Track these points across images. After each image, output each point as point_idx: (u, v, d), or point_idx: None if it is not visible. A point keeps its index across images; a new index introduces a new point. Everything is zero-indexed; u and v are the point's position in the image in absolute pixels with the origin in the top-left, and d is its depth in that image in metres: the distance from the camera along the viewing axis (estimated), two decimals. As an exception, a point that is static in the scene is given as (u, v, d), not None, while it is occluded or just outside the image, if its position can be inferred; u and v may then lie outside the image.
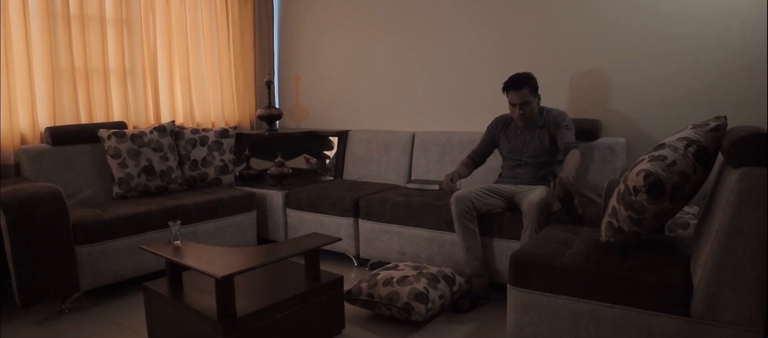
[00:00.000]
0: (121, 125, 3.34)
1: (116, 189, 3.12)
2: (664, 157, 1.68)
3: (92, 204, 3.00)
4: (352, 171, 3.90)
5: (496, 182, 2.91)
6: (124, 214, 2.79)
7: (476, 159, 2.96)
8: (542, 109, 2.80)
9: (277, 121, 4.09)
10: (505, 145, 2.90)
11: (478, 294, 2.60)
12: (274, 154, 3.79)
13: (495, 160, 3.03)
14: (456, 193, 2.68)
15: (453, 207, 2.64)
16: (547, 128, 2.75)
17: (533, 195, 2.52)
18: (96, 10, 3.34)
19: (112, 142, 3.12)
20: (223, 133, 3.62)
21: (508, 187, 2.77)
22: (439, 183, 3.34)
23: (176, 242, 2.19)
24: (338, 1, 4.13)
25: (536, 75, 3.28)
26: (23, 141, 3.08)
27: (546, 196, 2.52)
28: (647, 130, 2.95)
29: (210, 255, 2.06)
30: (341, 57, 4.17)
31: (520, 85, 2.69)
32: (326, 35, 4.23)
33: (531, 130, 2.79)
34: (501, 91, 2.77)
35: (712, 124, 1.73)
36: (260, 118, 4.03)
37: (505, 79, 2.70)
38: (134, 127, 3.57)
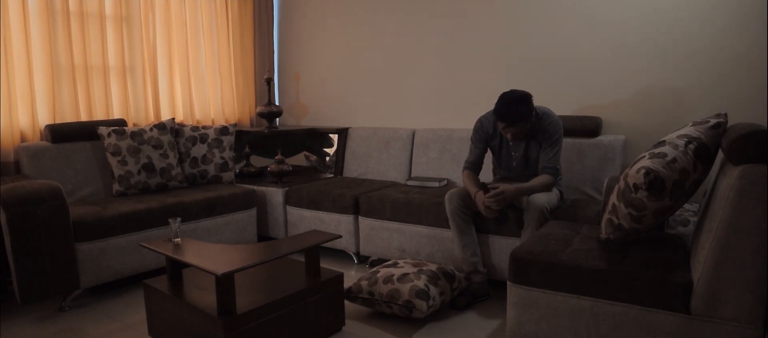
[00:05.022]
0: (121, 122, 3.34)
1: (116, 187, 3.12)
2: (665, 155, 1.67)
3: (92, 202, 3.00)
4: (352, 168, 3.90)
5: (495, 180, 2.90)
6: (124, 212, 2.79)
7: (476, 168, 2.77)
8: (535, 114, 2.58)
9: (277, 118, 4.09)
10: (497, 154, 2.80)
11: (476, 291, 2.59)
12: (274, 151, 3.79)
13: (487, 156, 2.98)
14: (451, 191, 2.67)
15: (447, 205, 2.64)
16: (538, 140, 2.62)
17: (535, 193, 2.52)
18: (95, 7, 3.33)
19: (112, 140, 3.12)
20: (223, 130, 3.62)
21: (507, 185, 2.76)
22: (439, 180, 3.34)
23: (176, 239, 2.19)
24: (338, -2, 4.13)
25: (537, 71, 3.29)
26: (23, 138, 3.08)
27: (548, 196, 2.52)
28: (647, 128, 2.95)
29: (210, 253, 2.06)
30: (341, 54, 4.17)
31: (516, 121, 2.47)
32: (326, 32, 4.23)
33: (523, 141, 2.66)
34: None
35: (713, 121, 1.72)
36: (260, 115, 4.03)
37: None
38: (134, 125, 3.57)
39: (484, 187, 2.52)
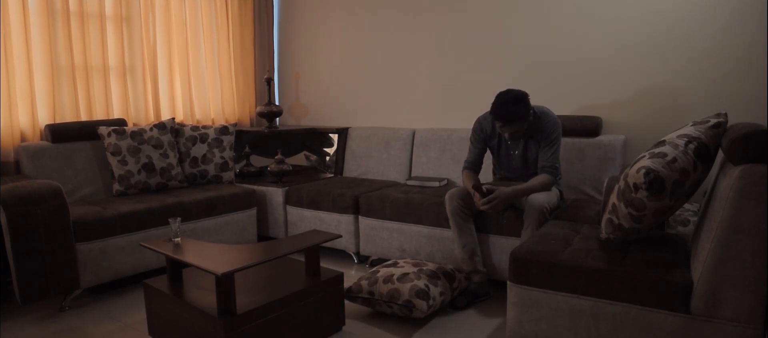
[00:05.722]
0: (121, 122, 3.34)
1: (116, 187, 3.12)
2: (665, 154, 1.67)
3: (92, 202, 3.00)
4: (352, 168, 3.90)
5: (494, 181, 2.90)
6: (124, 211, 2.79)
7: (476, 168, 2.79)
8: (532, 113, 2.58)
9: (277, 118, 4.09)
10: (496, 154, 2.81)
11: (476, 291, 2.59)
12: (274, 151, 3.79)
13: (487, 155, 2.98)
14: (451, 191, 2.67)
15: (447, 205, 2.64)
16: (536, 140, 2.62)
17: (534, 193, 2.52)
18: (95, 7, 3.33)
19: (112, 139, 3.12)
20: (223, 130, 3.62)
21: (502, 188, 2.76)
22: (439, 180, 3.34)
23: (176, 239, 2.19)
24: (338, -3, 4.13)
25: (537, 71, 3.28)
26: (23, 138, 3.08)
27: (548, 196, 2.52)
28: (647, 127, 2.95)
29: (210, 252, 2.06)
30: (341, 53, 4.17)
31: (513, 120, 2.48)
32: (326, 32, 4.23)
33: (523, 140, 2.67)
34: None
35: (713, 121, 1.73)
36: (260, 114, 4.03)
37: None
38: (134, 124, 3.57)
39: (478, 189, 2.51)
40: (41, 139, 3.14)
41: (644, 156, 1.75)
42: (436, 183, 3.32)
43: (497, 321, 2.39)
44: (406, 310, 2.30)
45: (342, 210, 3.25)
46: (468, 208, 2.62)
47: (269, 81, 4.01)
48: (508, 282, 1.93)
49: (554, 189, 2.66)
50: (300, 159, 4.30)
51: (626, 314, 1.68)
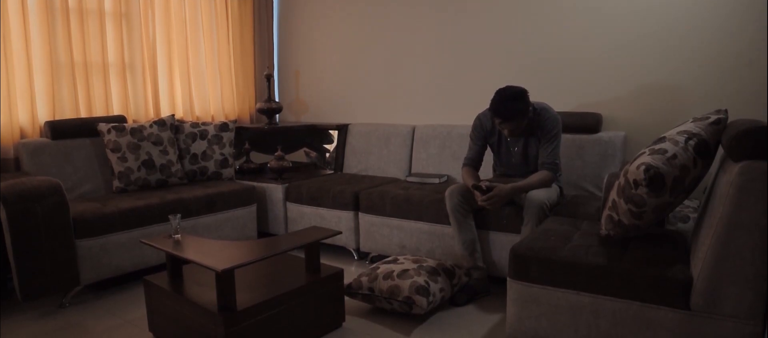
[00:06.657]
0: (121, 119, 3.34)
1: (116, 183, 3.12)
2: (665, 151, 1.67)
3: (92, 198, 3.00)
4: (352, 164, 3.90)
5: (494, 177, 2.90)
6: (124, 208, 2.79)
7: (476, 165, 2.79)
8: (532, 109, 2.58)
9: (277, 115, 4.08)
10: (496, 151, 2.81)
11: (476, 287, 2.60)
12: (274, 147, 3.79)
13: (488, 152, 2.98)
14: (451, 187, 2.67)
15: (447, 201, 2.64)
16: (536, 137, 2.62)
17: (534, 189, 2.52)
18: (95, 4, 3.32)
19: (111, 136, 3.12)
20: (223, 126, 3.61)
21: (501, 185, 2.76)
22: (439, 176, 3.34)
23: (176, 236, 2.19)
24: (338, -6, 4.12)
25: (537, 68, 3.27)
26: (23, 135, 3.08)
27: (548, 192, 2.52)
28: (648, 124, 2.95)
29: (210, 249, 2.06)
30: (341, 50, 4.16)
31: (510, 118, 2.48)
32: (326, 29, 4.22)
33: (522, 137, 2.66)
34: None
35: (713, 117, 1.72)
36: (260, 111, 4.03)
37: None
38: (134, 121, 3.57)
39: (477, 188, 2.51)
40: (41, 136, 3.14)
41: (644, 152, 1.75)
42: (436, 180, 3.32)
43: (497, 318, 2.39)
44: (406, 307, 2.30)
45: (342, 206, 3.25)
46: (468, 205, 2.62)
47: (269, 77, 4.01)
48: (508, 279, 1.93)
49: (554, 186, 2.66)
50: (300, 155, 4.30)
51: (626, 310, 1.68)
